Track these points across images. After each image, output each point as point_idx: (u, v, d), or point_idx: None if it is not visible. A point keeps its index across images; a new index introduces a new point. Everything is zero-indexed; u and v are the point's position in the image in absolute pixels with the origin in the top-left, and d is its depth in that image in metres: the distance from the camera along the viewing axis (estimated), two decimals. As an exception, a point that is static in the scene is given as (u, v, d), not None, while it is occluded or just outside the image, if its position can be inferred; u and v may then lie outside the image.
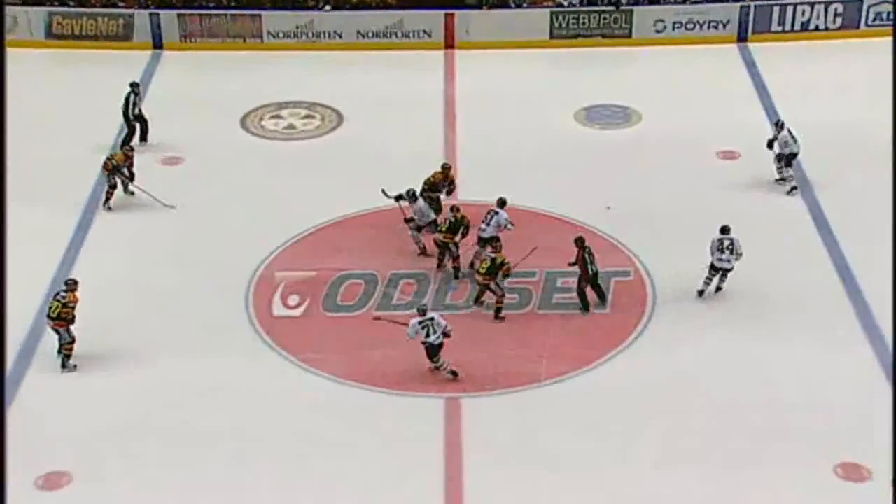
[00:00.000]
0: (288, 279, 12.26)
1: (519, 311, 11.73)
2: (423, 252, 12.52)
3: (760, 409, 10.24)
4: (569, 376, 10.76)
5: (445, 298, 11.92)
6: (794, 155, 13.87)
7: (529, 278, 12.13)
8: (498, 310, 11.64)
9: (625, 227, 12.97)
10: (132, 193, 13.73)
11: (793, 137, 13.88)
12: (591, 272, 11.57)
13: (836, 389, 10.44)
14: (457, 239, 12.21)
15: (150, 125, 15.21)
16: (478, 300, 11.86)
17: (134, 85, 15.32)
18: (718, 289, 11.78)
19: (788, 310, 11.60)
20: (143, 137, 15.22)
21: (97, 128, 15.46)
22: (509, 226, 12.19)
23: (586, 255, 11.58)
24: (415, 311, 10.70)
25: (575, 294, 11.77)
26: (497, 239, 11.93)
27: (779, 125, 14.12)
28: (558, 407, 10.41)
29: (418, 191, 12.88)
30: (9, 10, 18.03)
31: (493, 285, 11.63)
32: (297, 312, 11.77)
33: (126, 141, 14.89)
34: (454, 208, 12.44)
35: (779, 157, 13.93)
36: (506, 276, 11.60)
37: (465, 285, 12.10)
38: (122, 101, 15.03)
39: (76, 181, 14.01)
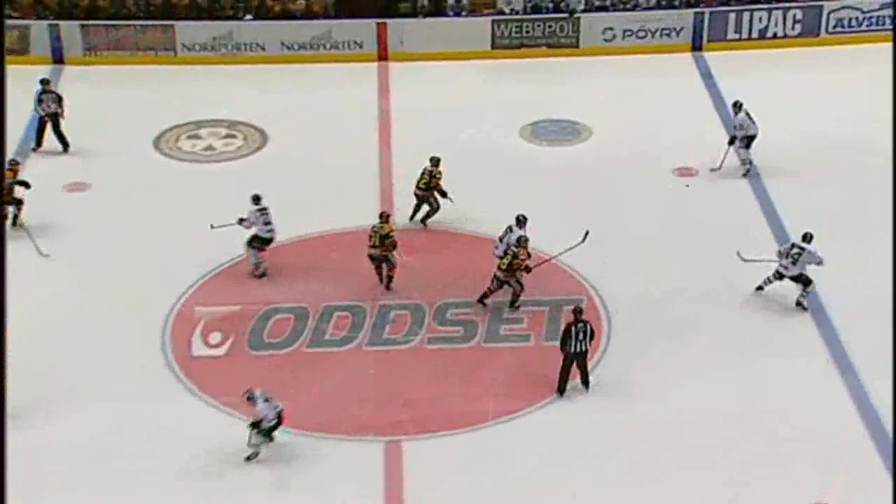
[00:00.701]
0: (209, 315, 12.28)
1: (464, 345, 11.91)
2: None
3: (730, 441, 10.50)
4: (519, 414, 10.94)
5: (383, 333, 12.05)
6: (753, 137, 14.77)
7: (471, 310, 12.33)
8: (514, 300, 12.24)
9: (575, 250, 13.26)
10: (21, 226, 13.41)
11: (751, 119, 14.79)
12: (572, 350, 10.89)
13: (813, 417, 10.76)
14: (393, 251, 12.51)
15: (44, 136, 15.46)
16: (483, 300, 12.24)
17: (44, 81, 15.63)
18: (798, 304, 12.19)
19: (752, 332, 11.95)
20: (39, 141, 15.48)
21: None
22: (512, 249, 12.30)
23: (574, 329, 10.85)
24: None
25: (527, 326, 12.01)
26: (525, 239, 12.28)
27: (737, 106, 14.97)
28: (507, 448, 10.56)
29: (415, 190, 13.72)
30: None
31: (513, 281, 12.10)
32: (219, 351, 11.79)
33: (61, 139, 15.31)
34: (383, 215, 12.71)
35: (735, 140, 14.86)
36: (525, 271, 12.19)
37: (404, 318, 12.25)
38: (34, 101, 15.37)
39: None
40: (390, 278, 12.68)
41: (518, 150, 16.04)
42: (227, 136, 16.40)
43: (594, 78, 18.06)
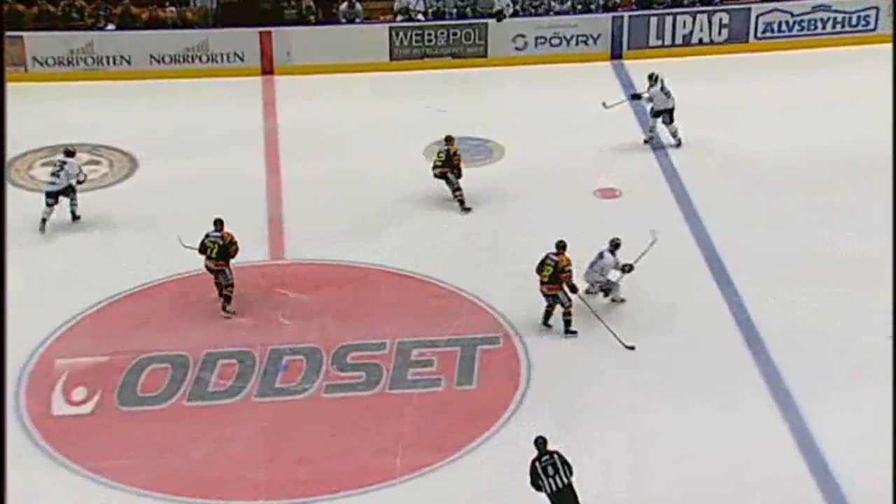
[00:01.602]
0: (72, 367, 12.10)
1: (366, 392, 11.94)
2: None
3: (660, 494, 10.74)
4: (431, 468, 11.02)
5: (275, 381, 12.04)
6: (671, 111, 16.27)
7: (377, 351, 12.43)
8: (567, 322, 12.57)
9: (490, 284, 13.46)
10: None
11: (665, 93, 16.19)
12: (549, 490, 9.90)
13: (750, 461, 11.07)
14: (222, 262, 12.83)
15: None
16: (546, 320, 12.67)
17: None
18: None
19: (683, 367, 12.27)
20: None
21: None
22: (611, 272, 12.93)
23: (540, 465, 9.96)
24: None
25: (437, 368, 12.14)
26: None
27: (652, 78, 16.32)
28: (419, 508, 10.63)
29: (434, 173, 14.92)
30: None
31: (560, 294, 12.43)
32: (84, 409, 11.61)
33: None
34: (217, 222, 12.94)
35: (654, 113, 16.30)
36: (569, 285, 12.49)
37: (298, 364, 12.26)
38: None
39: None
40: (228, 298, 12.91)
41: (423, 172, 16.20)
42: (90, 161, 16.22)
43: (505, 90, 18.42)
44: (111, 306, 13.06)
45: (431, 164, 15.17)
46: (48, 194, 14.59)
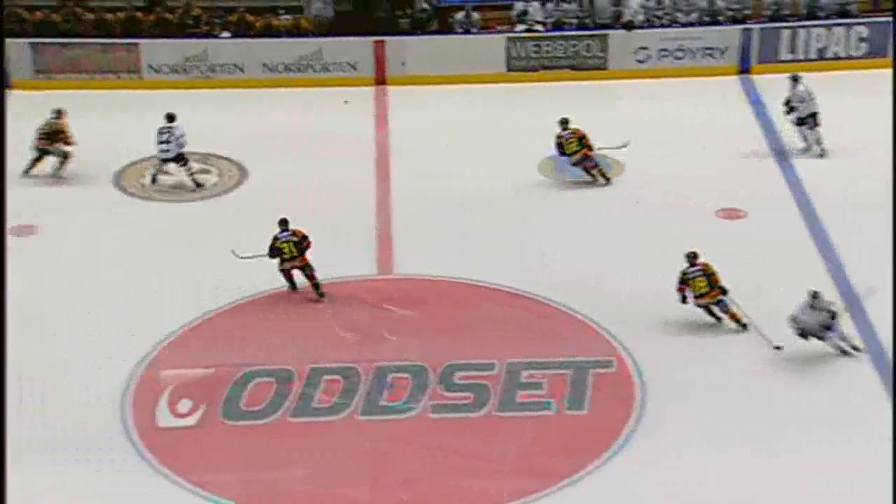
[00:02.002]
0: (177, 379, 12.43)
1: (474, 413, 11.99)
2: None
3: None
4: (536, 496, 10.99)
5: (380, 399, 12.18)
6: (814, 114, 15.88)
7: (485, 372, 12.47)
8: (737, 322, 12.94)
9: (603, 304, 13.42)
10: None
11: (809, 94, 15.94)
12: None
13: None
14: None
15: None
16: (742, 324, 12.93)
17: None
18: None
19: (811, 398, 12.04)
20: None
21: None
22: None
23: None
24: None
25: (547, 391, 12.15)
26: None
27: (795, 79, 16.14)
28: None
29: (573, 161, 15.95)
30: None
31: (715, 309, 12.84)
32: (189, 422, 11.89)
33: None
34: (282, 221, 13.50)
35: (799, 121, 15.99)
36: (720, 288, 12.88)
37: (404, 382, 12.38)
38: None
39: None
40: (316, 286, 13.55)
41: (537, 188, 16.27)
42: (201, 171, 16.66)
43: (625, 104, 18.33)
44: (218, 317, 13.38)
45: (568, 152, 16.02)
46: (163, 161, 16.06)
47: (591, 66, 19.29)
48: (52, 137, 16.28)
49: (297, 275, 13.71)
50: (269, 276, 13.78)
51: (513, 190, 16.13)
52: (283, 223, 13.63)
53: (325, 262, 14.11)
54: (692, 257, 12.99)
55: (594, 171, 16.15)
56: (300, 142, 17.39)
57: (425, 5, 19.62)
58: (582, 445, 11.52)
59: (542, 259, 14.42)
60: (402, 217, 15.44)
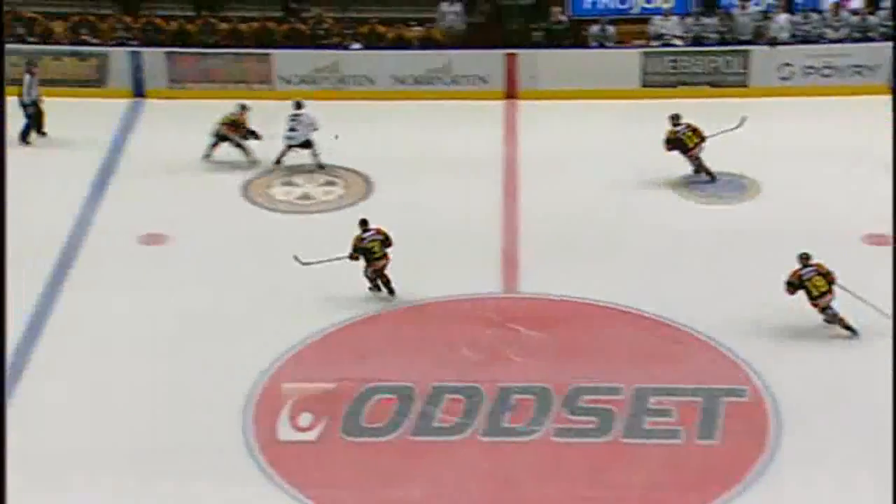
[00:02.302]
0: (299, 393, 12.59)
1: (599, 438, 11.91)
2: None
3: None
4: (663, 528, 10.89)
5: (502, 421, 12.18)
6: None
7: (612, 396, 12.38)
8: (851, 330, 13.07)
9: (737, 329, 13.20)
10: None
11: None
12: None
13: None
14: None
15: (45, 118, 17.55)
16: (852, 329, 13.06)
17: (30, 64, 17.38)
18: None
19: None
20: (38, 129, 17.43)
21: (61, 195, 16.19)
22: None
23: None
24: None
25: (676, 419, 12.00)
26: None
27: None
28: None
29: (693, 155, 16.40)
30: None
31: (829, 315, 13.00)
32: (309, 436, 12.05)
33: (27, 132, 17.37)
34: (363, 221, 13.89)
35: None
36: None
37: (527, 404, 12.35)
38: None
39: (39, 251, 14.67)
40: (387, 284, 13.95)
41: (668, 208, 16.10)
42: (327, 183, 16.94)
43: (766, 123, 18.00)
44: (340, 332, 13.54)
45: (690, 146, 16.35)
46: (289, 147, 17.01)
47: (731, 83, 19.04)
48: (233, 126, 17.23)
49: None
50: (401, 290, 13.89)
51: (644, 209, 15.99)
52: (365, 223, 13.92)
53: (450, 278, 14.21)
54: (805, 258, 12.95)
55: (705, 167, 16.36)
56: (427, 155, 17.54)
57: (562, 17, 19.60)
58: (711, 477, 11.33)
59: (673, 281, 14.25)
60: (529, 234, 15.43)
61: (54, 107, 18.65)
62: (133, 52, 19.26)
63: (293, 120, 17.00)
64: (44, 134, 17.79)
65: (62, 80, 19.14)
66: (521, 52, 19.24)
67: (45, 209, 15.70)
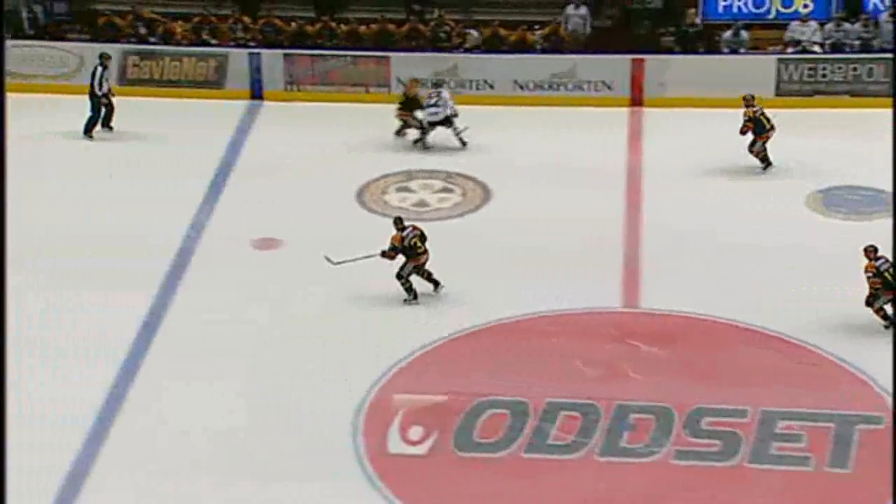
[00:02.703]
0: (410, 405, 12.61)
1: (721, 463, 11.68)
2: None
3: None
4: (789, 560, 10.64)
5: (620, 440, 12.03)
6: None
7: (737, 419, 12.13)
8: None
9: (875, 355, 12.83)
10: None
11: None
12: None
13: None
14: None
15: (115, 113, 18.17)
16: None
17: (104, 56, 17.87)
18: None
19: None
20: (106, 123, 17.95)
21: (177, 196, 16.52)
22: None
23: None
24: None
25: (806, 445, 11.72)
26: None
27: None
28: None
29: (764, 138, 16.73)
30: (73, 47, 19.69)
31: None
32: (420, 450, 12.04)
33: (91, 125, 17.92)
34: (397, 220, 14.18)
35: None
36: None
37: (646, 424, 12.18)
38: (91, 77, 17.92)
39: (154, 252, 15.03)
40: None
41: (802, 223, 15.76)
42: (443, 189, 16.99)
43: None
44: (451, 343, 13.51)
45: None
46: (431, 124, 17.77)
47: (873, 92, 18.56)
48: (408, 106, 17.99)
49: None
50: (506, 304, 13.82)
51: (774, 224, 15.67)
52: (400, 221, 14.17)
53: (568, 291, 14.12)
54: (873, 251, 13.16)
55: (767, 156, 16.76)
56: (547, 163, 17.49)
57: (696, 20, 19.37)
58: (843, 508, 11.06)
59: (806, 301, 13.92)
60: (651, 247, 15.25)
61: (173, 107, 19.15)
62: (251, 54, 19.57)
63: (433, 97, 17.72)
64: (110, 128, 18.31)
65: (182, 81, 19.58)
66: (649, 58, 19.06)
67: (159, 210, 16.03)
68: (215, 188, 16.78)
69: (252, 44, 19.94)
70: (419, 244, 14.04)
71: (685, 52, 19.37)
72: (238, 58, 19.57)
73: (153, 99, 19.45)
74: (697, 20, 19.49)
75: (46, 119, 18.67)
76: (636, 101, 19.06)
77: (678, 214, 15.92)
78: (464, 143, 17.84)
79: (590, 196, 16.50)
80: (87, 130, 18.11)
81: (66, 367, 12.85)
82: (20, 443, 11.69)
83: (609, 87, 19.13)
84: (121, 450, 11.78)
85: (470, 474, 11.74)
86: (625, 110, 19.00)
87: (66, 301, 13.97)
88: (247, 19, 20.14)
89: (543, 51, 19.65)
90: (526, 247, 15.26)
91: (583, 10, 19.94)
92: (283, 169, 17.35)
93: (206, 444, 11.96)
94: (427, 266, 14.13)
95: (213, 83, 19.62)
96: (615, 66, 19.07)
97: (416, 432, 12.24)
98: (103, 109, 18.15)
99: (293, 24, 20.24)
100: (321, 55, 19.58)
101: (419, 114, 17.95)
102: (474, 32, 19.66)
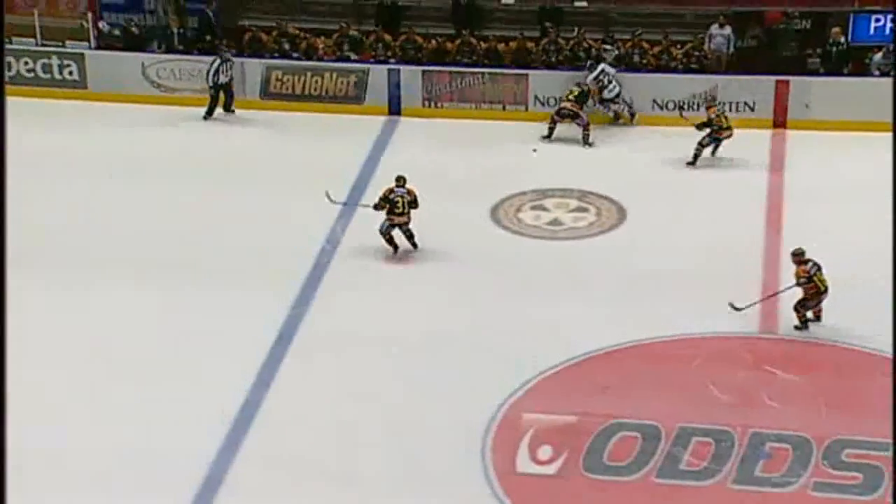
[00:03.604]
0: (539, 424, 12.55)
1: (863, 496, 11.36)
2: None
3: None
4: None
5: (755, 469, 11.76)
6: None
7: (878, 452, 11.75)
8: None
9: None
10: None
11: None
12: None
13: None
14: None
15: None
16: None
17: (222, 50, 19.09)
18: None
19: None
20: (227, 108, 19.42)
21: (313, 209, 16.73)
22: None
23: None
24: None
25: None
26: None
27: None
28: None
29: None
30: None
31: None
32: (549, 470, 11.95)
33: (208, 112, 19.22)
34: (399, 178, 15.36)
35: None
36: None
37: (783, 453, 11.88)
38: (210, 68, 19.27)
39: (289, 265, 15.22)
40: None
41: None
42: (578, 209, 16.87)
43: None
44: (585, 362, 13.39)
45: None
46: (613, 101, 18.91)
47: None
48: (582, 99, 18.70)
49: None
50: (645, 324, 13.64)
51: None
52: (401, 180, 15.22)
53: (703, 314, 13.90)
54: (801, 254, 13.50)
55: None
56: (686, 184, 17.28)
57: (840, 38, 18.91)
58: None
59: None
60: (792, 271, 14.86)
61: (313, 122, 19.45)
62: (391, 70, 19.75)
63: (601, 79, 18.57)
64: (232, 111, 19.68)
65: (323, 96, 19.85)
66: (794, 79, 18.68)
67: (296, 222, 16.27)
68: (352, 203, 16.94)
69: (392, 60, 20.11)
70: (401, 205, 15.12)
71: (830, 73, 18.89)
72: (378, 74, 19.76)
73: (294, 113, 19.78)
74: (841, 38, 19.00)
75: (192, 130, 19.21)
76: (779, 122, 18.69)
77: (820, 239, 15.47)
78: (633, 116, 19.04)
79: (728, 218, 16.22)
80: (207, 115, 19.60)
81: (201, 371, 13.14)
82: (155, 448, 12.03)
83: (751, 108, 18.80)
84: (254, 457, 11.96)
85: (599, 497, 11.64)
86: (767, 132, 18.64)
87: (201, 304, 14.27)
88: (388, 37, 20.34)
89: (685, 70, 19.39)
90: (661, 267, 15.05)
91: (726, 30, 19.63)
92: (419, 184, 17.42)
93: (334, 452, 12.06)
94: (411, 227, 15.27)
95: (352, 98, 19.84)
96: (759, 86, 18.75)
97: (545, 452, 12.17)
98: (221, 96, 19.49)
99: (433, 41, 20.35)
100: (459, 72, 19.65)
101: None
102: (612, 48, 19.50)
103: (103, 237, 15.93)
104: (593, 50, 19.72)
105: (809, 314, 13.70)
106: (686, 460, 11.92)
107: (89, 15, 20.77)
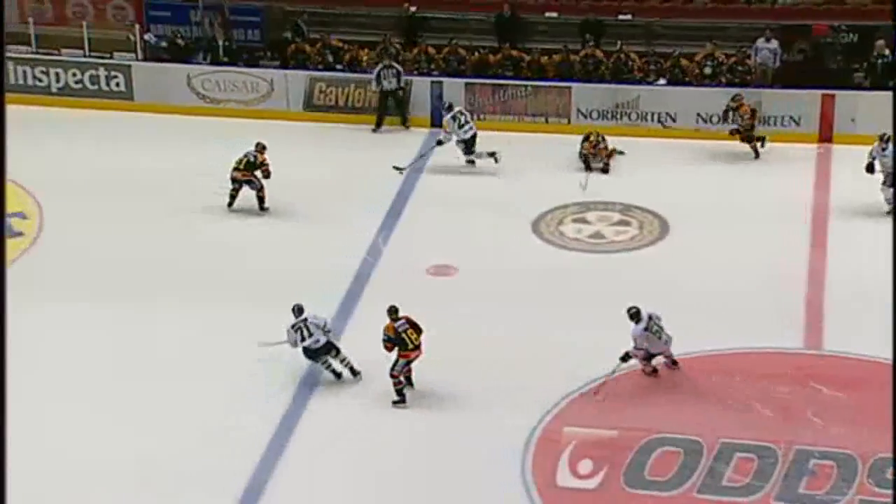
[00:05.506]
0: (580, 438, 12.50)
1: (907, 516, 11.23)
2: None
3: None
4: None
5: (798, 486, 11.64)
6: None
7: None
8: None
9: None
10: None
11: None
12: None
13: None
14: None
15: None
16: None
17: (385, 57, 19.33)
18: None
19: None
20: (403, 121, 19.56)
21: (355, 221, 16.78)
22: None
23: None
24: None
25: None
26: None
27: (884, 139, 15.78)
28: None
29: None
30: (264, 73, 20.27)
31: None
32: (590, 484, 11.90)
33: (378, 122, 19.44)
34: (259, 145, 16.37)
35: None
36: None
37: (827, 470, 11.76)
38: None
39: (332, 275, 15.28)
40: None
41: None
42: (620, 222, 16.81)
43: None
44: (626, 377, 13.29)
45: None
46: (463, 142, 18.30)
47: None
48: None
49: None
50: (688, 339, 13.54)
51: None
52: (259, 146, 16.40)
53: (746, 330, 13.79)
54: (394, 311, 12.80)
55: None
56: (729, 198, 17.19)
57: (885, 51, 18.75)
58: None
59: None
60: (836, 288, 14.78)
61: (357, 133, 19.54)
62: (434, 82, 19.79)
63: (458, 117, 18.00)
64: (406, 126, 19.78)
65: (366, 108, 19.92)
66: (840, 93, 18.54)
67: (339, 234, 16.32)
68: (393, 215, 16.97)
69: (435, 72, 20.15)
70: (240, 164, 15.38)
71: (876, 87, 18.73)
72: (420, 86, 19.81)
73: (338, 125, 19.86)
74: (886, 52, 18.84)
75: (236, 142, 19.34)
76: (825, 137, 18.55)
77: (865, 255, 15.36)
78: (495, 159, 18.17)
79: (772, 233, 16.10)
80: (404, 122, 19.87)
81: (247, 386, 13.20)
82: (196, 468, 12.08)
83: (797, 123, 18.67)
84: (292, 468, 12.00)
85: (640, 512, 11.55)
86: (812, 147, 18.51)
87: (238, 319, 14.33)
88: (431, 50, 20.38)
89: (730, 84, 19.29)
90: (704, 282, 14.97)
91: (773, 44, 19.52)
92: (460, 196, 17.45)
93: (373, 467, 12.07)
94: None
95: (395, 111, 19.90)
96: (804, 101, 18.63)
97: (585, 466, 12.13)
98: (390, 102, 19.66)
99: (476, 53, 20.37)
100: (501, 85, 19.65)
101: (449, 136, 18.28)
102: (662, 81, 19.46)
103: (152, 248, 16.04)
104: (633, 64, 19.67)
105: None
106: (728, 476, 11.83)
107: (136, 27, 21.02)
